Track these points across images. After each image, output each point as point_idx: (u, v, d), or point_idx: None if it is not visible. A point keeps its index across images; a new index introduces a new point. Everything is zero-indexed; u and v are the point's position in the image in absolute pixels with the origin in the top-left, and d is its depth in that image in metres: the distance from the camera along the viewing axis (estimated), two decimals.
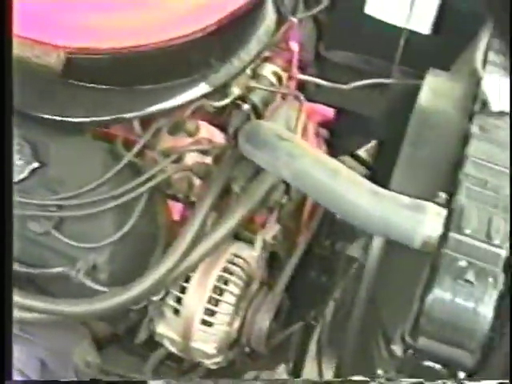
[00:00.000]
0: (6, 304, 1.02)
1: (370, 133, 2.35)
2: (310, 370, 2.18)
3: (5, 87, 1.09)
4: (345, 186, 1.40)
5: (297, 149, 1.48)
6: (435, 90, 1.75)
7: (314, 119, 2.15)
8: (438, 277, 1.26)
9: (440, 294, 1.25)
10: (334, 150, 2.24)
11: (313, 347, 2.23)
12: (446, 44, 2.09)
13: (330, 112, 2.20)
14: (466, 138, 1.53)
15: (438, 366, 1.30)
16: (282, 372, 1.51)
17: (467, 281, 1.25)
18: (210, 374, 1.83)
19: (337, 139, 2.31)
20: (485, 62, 1.69)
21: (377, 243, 1.54)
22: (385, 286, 1.52)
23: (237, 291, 1.67)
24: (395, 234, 1.38)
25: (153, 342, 1.85)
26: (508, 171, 1.47)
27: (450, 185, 1.44)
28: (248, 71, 1.78)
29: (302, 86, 2.17)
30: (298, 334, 2.11)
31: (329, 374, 2.07)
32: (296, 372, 2.08)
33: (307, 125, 2.02)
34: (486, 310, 1.24)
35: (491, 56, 1.71)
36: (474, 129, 1.54)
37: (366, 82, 2.20)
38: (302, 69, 2.23)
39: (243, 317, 1.72)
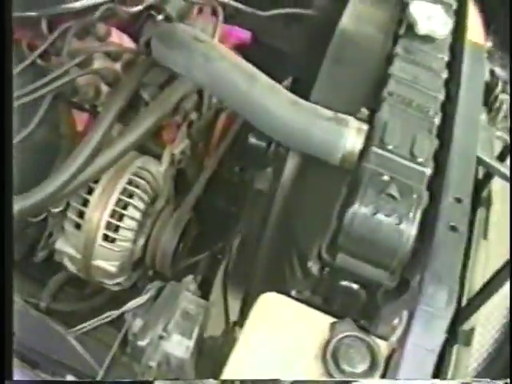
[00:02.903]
0: (7, 304, 0.97)
1: (286, 67, 2.18)
2: (215, 301, 2.06)
3: (4, 90, 1.05)
4: (263, 93, 1.27)
5: (214, 51, 1.32)
6: (358, 14, 1.63)
7: (229, 42, 1.98)
8: (360, 191, 1.14)
9: (361, 208, 1.13)
10: None
11: (218, 279, 2.11)
12: None
13: (246, 35, 2.04)
14: (389, 59, 1.43)
15: (355, 286, 1.18)
16: (189, 281, 1.34)
17: (390, 195, 1.14)
18: (112, 299, 1.66)
19: None
20: None
21: (291, 162, 1.40)
22: (300, 205, 1.40)
23: (141, 206, 1.51)
24: (314, 147, 1.26)
25: (52, 267, 1.68)
26: (432, 93, 1.36)
27: (373, 102, 1.34)
28: None
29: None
30: (203, 264, 1.98)
31: (235, 306, 1.96)
32: None
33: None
34: (409, 227, 1.13)
35: None
36: (399, 50, 1.44)
37: (284, 10, 2.04)
38: None
39: (148, 235, 1.55)
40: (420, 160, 1.22)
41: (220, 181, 1.91)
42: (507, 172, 1.41)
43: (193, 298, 1.32)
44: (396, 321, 1.12)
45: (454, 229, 1.16)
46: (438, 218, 1.17)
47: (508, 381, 0.89)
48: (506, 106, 1.70)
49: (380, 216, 1.12)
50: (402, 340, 1.06)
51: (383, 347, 1.08)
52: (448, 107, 1.38)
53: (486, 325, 1.13)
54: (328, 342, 1.05)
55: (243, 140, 1.83)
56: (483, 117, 1.60)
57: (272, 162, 1.84)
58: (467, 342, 1.38)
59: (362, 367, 1.04)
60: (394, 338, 1.10)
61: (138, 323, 1.27)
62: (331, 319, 1.10)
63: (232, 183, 1.96)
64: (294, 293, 1.24)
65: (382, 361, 1.05)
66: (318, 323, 1.09)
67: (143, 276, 1.65)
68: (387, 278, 1.16)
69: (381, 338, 1.11)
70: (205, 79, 1.31)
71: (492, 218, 1.54)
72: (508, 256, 1.13)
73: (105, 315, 1.39)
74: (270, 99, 1.26)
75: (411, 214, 1.13)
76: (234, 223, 2.00)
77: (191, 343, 1.24)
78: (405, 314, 1.10)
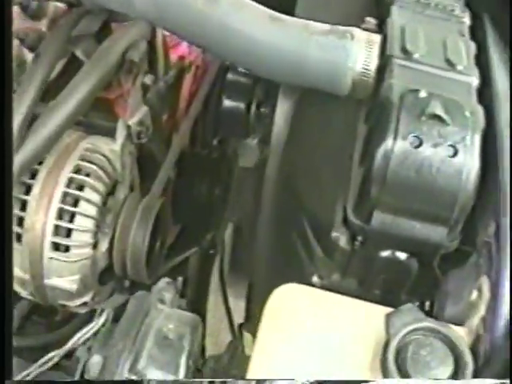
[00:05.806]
0: (7, 304, 0.82)
1: None
2: (213, 305, 1.69)
3: (5, 86, 0.87)
4: (229, 11, 0.88)
5: None
6: None
7: None
8: (391, 118, 0.76)
9: (397, 141, 0.75)
10: None
11: (215, 279, 1.74)
12: None
13: None
14: None
15: (402, 255, 0.80)
16: (162, 288, 0.91)
17: (435, 116, 0.75)
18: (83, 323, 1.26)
19: None
20: None
21: (282, 108, 1.02)
22: (304, 163, 1.02)
23: (96, 198, 1.08)
24: (311, 75, 0.89)
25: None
26: None
27: (376, 12, 0.98)
28: None
29: None
30: (193, 263, 1.60)
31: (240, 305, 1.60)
32: (198, 308, 1.57)
33: None
34: (469, 158, 0.75)
35: None
36: None
37: None
38: None
39: (111, 234, 1.14)
40: (460, 68, 0.84)
41: (197, 159, 1.52)
42: None
43: (172, 312, 0.87)
44: (474, 295, 0.74)
45: None
46: (502, 141, 0.79)
47: (508, 381, 0.70)
48: None
49: (426, 148, 0.74)
50: (491, 321, 0.69)
51: (465, 338, 0.69)
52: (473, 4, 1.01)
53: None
54: (387, 344, 0.66)
55: (217, 104, 1.46)
56: None
57: (255, 128, 1.48)
58: None
59: (442, 374, 0.65)
60: (474, 321, 0.72)
61: (95, 362, 0.82)
62: (383, 309, 0.71)
63: (212, 160, 1.57)
64: (315, 279, 0.86)
65: (471, 360, 0.66)
66: (366, 318, 0.71)
67: (117, 289, 1.25)
68: (445, 237, 0.78)
69: (454, 323, 0.73)
70: (151, 8, 0.91)
71: None
72: None
73: (47, 357, 0.97)
74: (241, 17, 0.87)
75: (468, 139, 0.75)
76: (221, 209, 1.63)
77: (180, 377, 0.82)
78: (485, 281, 0.72)
